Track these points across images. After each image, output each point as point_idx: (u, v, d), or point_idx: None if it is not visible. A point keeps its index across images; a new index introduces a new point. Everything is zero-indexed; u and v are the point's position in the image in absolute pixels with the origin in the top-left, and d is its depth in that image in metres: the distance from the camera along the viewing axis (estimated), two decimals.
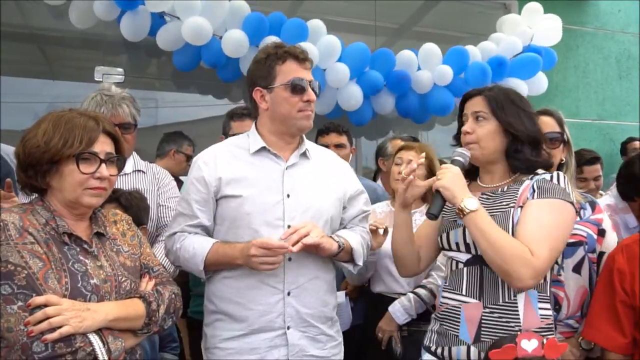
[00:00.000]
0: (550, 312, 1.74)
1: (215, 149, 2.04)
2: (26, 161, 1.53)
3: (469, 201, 1.70)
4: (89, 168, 1.54)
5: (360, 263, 2.07)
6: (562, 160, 2.19)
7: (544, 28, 4.62)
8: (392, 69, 4.14)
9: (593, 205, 2.19)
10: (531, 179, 1.79)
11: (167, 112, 4.44)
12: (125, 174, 2.55)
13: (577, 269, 2.09)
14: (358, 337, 2.87)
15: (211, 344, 1.94)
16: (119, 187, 2.40)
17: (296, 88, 1.92)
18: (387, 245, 2.67)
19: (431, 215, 1.80)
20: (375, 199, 3.14)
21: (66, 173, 1.53)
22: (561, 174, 1.78)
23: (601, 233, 2.13)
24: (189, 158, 3.72)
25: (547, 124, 2.18)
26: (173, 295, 1.70)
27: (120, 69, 4.07)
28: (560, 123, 2.22)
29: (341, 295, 2.77)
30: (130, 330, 1.55)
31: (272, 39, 3.69)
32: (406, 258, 1.98)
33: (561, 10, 4.80)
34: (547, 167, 1.83)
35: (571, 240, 2.05)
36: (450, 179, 1.75)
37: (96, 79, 3.99)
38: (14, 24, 4.00)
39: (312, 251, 1.88)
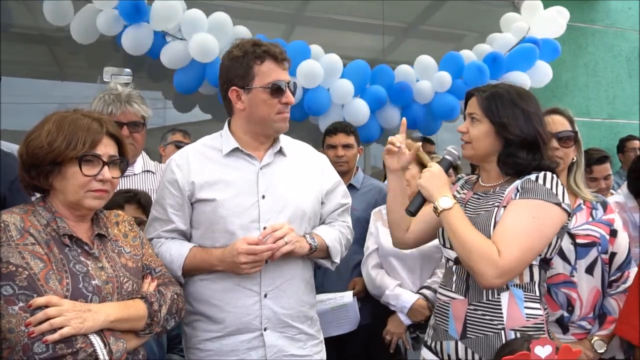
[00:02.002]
0: (540, 312, 1.72)
1: (188, 151, 1.98)
2: (29, 161, 1.52)
3: (443, 200, 1.73)
4: (91, 170, 1.53)
5: (337, 260, 2.03)
6: (573, 159, 2.17)
7: (542, 20, 4.58)
8: (392, 82, 4.16)
9: (605, 206, 2.16)
10: (521, 179, 1.78)
11: (175, 113, 4.44)
12: (134, 174, 2.54)
13: (590, 270, 2.06)
14: (365, 337, 2.85)
15: (191, 344, 1.93)
16: (126, 187, 2.39)
17: (276, 90, 1.88)
18: (392, 244, 2.66)
19: (408, 212, 1.86)
20: (382, 198, 3.12)
21: (69, 175, 1.52)
22: (549, 174, 1.73)
23: (613, 233, 2.10)
24: (178, 146, 3.58)
25: (559, 123, 2.16)
26: (175, 296, 1.69)
27: (128, 70, 4.08)
28: (571, 121, 2.19)
29: (348, 296, 2.76)
30: (133, 331, 1.54)
31: None
32: (397, 224, 2.01)
33: (571, 8, 4.75)
34: (551, 169, 1.78)
35: (584, 241, 2.05)
36: (428, 178, 1.79)
37: (104, 79, 4.01)
38: (24, 26, 4.02)
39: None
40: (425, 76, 4.22)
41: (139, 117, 2.45)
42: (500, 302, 1.71)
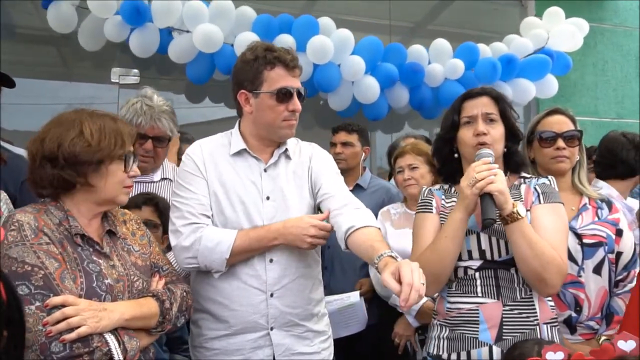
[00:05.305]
0: (552, 304, 1.83)
1: (202, 145, 2.00)
2: (70, 160, 1.51)
3: (520, 207, 1.67)
4: (127, 168, 1.61)
5: None
6: (577, 157, 2.18)
7: (563, 32, 4.56)
8: (404, 62, 4.12)
9: (610, 205, 2.16)
10: (524, 181, 1.85)
11: (183, 113, 4.46)
12: (152, 182, 2.53)
13: (597, 270, 2.06)
14: (373, 337, 2.86)
15: (197, 342, 1.94)
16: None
17: (282, 97, 1.88)
18: (401, 246, 2.66)
19: (491, 222, 1.65)
20: (389, 198, 3.13)
21: (110, 172, 1.57)
22: (552, 177, 1.88)
23: (618, 233, 2.10)
24: None
25: (563, 123, 2.17)
26: (184, 294, 1.72)
27: (135, 70, 4.10)
28: (573, 121, 2.20)
29: (355, 296, 2.75)
30: (145, 329, 1.56)
31: (284, 38, 3.70)
32: (447, 273, 1.78)
33: (579, 7, 4.74)
34: (525, 166, 1.93)
35: (591, 241, 2.05)
36: (503, 182, 1.67)
37: (112, 80, 4.04)
38: (32, 27, 4.05)
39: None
40: (439, 60, 4.19)
41: (166, 133, 2.44)
42: (532, 298, 1.76)
